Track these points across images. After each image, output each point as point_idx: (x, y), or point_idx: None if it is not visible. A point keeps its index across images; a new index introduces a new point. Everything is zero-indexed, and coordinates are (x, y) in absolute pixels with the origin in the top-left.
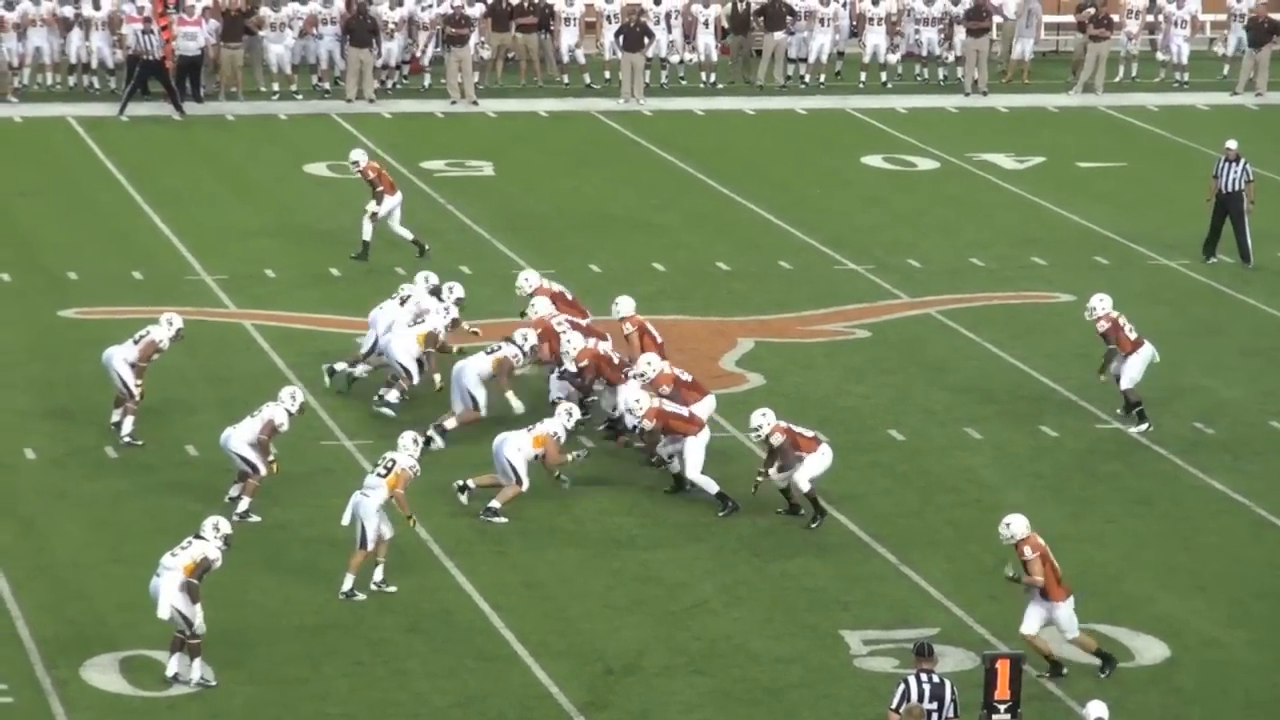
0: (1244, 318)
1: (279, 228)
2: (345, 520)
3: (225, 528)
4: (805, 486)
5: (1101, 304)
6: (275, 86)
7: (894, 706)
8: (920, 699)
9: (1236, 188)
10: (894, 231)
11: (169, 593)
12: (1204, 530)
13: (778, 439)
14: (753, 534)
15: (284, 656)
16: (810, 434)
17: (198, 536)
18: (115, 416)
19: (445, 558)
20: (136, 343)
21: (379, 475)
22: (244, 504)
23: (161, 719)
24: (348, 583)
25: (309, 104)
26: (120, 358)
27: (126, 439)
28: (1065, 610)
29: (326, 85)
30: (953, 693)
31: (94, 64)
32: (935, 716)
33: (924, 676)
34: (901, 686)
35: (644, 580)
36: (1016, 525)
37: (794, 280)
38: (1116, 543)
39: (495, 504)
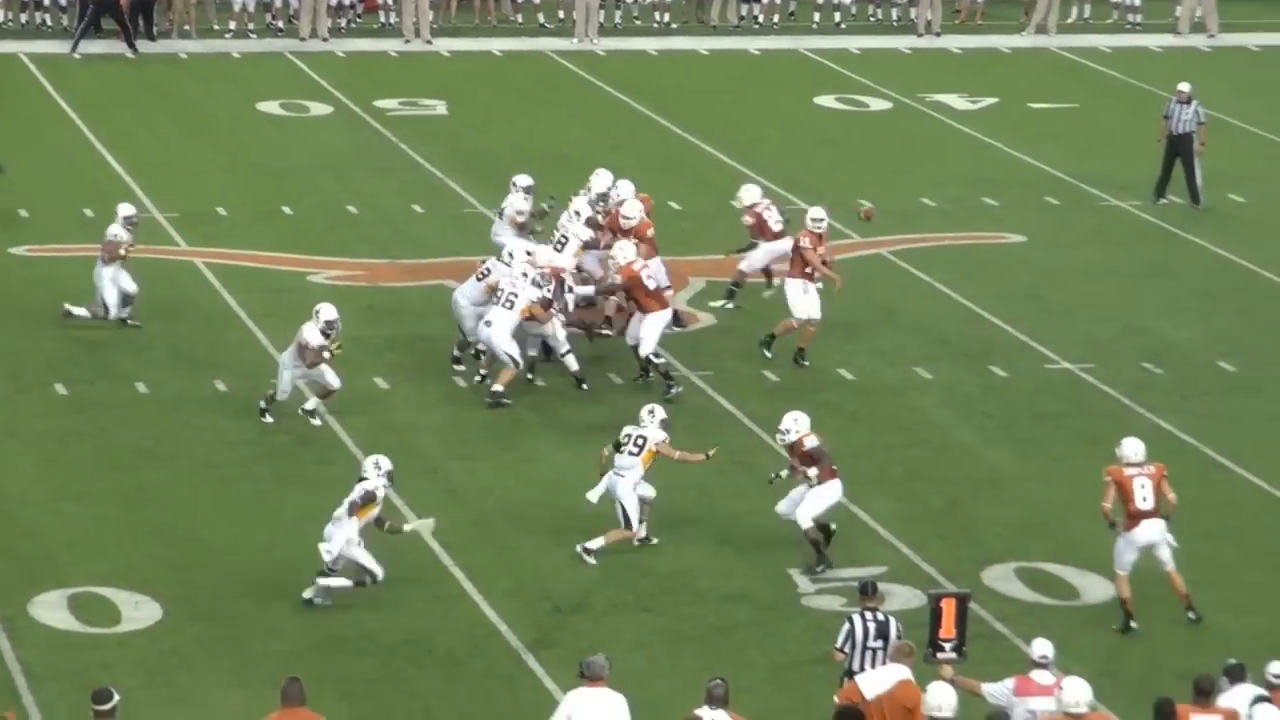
0: (1195, 259)
1: (231, 166)
2: (593, 498)
3: (386, 464)
4: (805, 524)
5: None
6: (230, 25)
7: (839, 645)
8: (866, 637)
9: (1187, 129)
10: (846, 172)
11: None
12: None
13: (810, 442)
14: (702, 473)
15: (233, 593)
16: (832, 466)
17: (360, 479)
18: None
19: (395, 496)
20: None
21: (630, 454)
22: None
23: (110, 655)
24: (595, 542)
25: (263, 42)
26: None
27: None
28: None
29: (280, 23)
30: (898, 630)
31: (47, 1)
32: (881, 654)
33: (869, 615)
34: (847, 625)
35: (594, 518)
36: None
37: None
38: (1064, 482)
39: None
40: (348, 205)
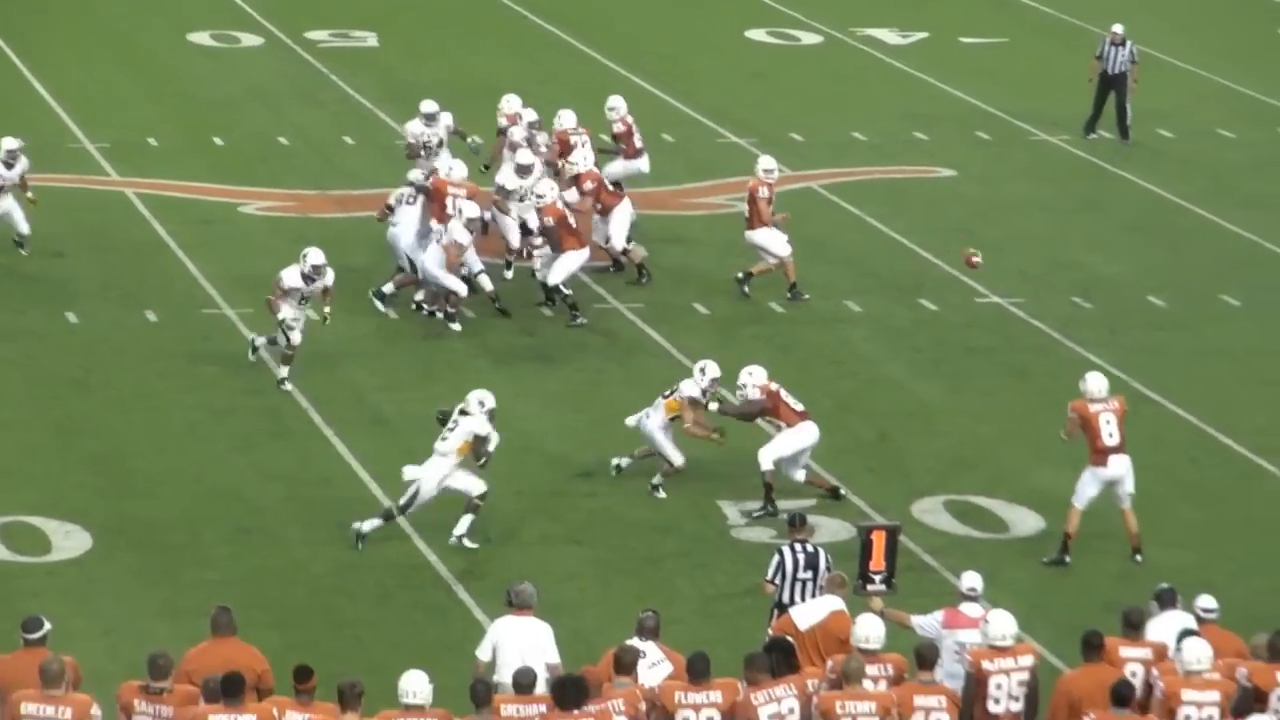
0: (1125, 194)
1: (162, 96)
2: (630, 421)
3: (490, 401)
4: (765, 465)
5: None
6: None
7: (769, 577)
8: (796, 569)
9: (1121, 70)
10: (777, 105)
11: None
12: None
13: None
14: (634, 405)
15: (164, 523)
16: (799, 408)
17: (463, 413)
18: None
19: (325, 426)
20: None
21: (663, 396)
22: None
23: (40, 584)
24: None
25: None
26: None
27: None
28: None
29: None
30: (827, 562)
31: None
32: (810, 586)
33: (799, 547)
34: (777, 557)
35: (523, 450)
36: None
37: (675, 153)
38: (993, 416)
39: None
40: (278, 136)
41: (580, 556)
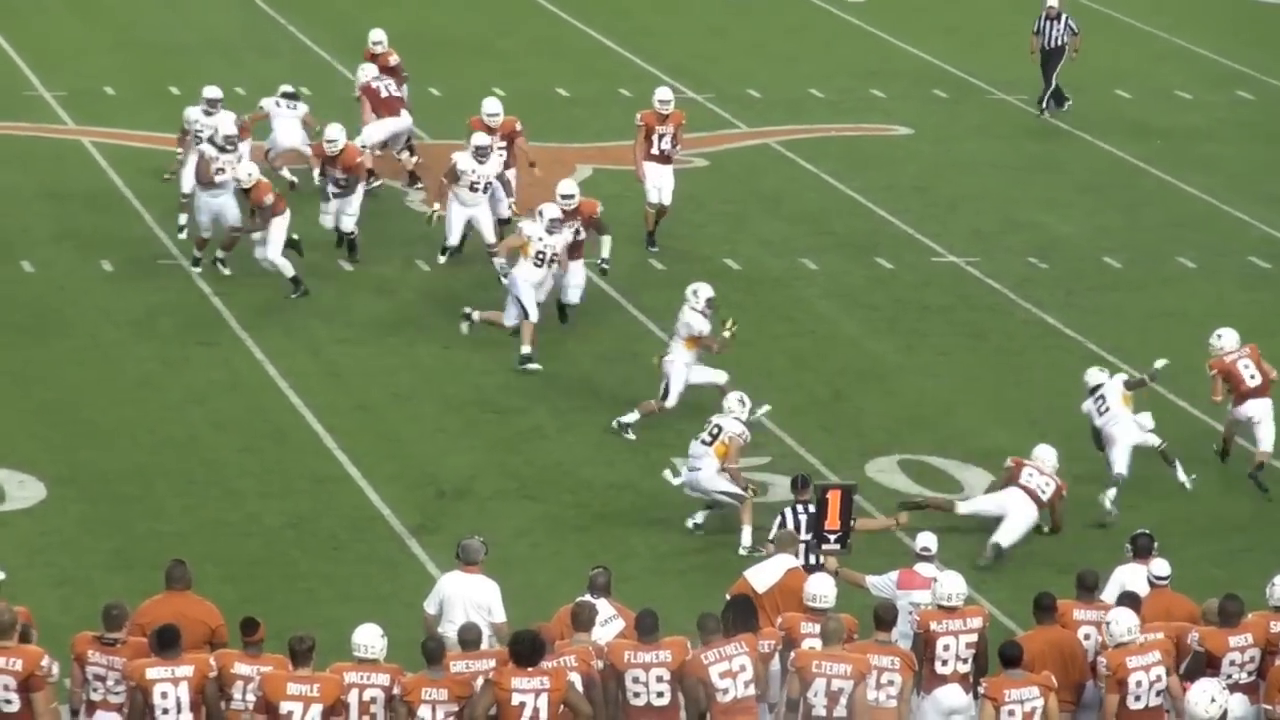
0: (1081, 154)
1: (119, 45)
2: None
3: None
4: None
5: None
6: None
7: (769, 538)
8: (798, 530)
9: (1059, 44)
10: (734, 61)
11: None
12: (1036, 364)
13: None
14: (590, 362)
15: (117, 474)
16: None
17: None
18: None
19: (280, 378)
20: None
21: (703, 443)
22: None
23: None
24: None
25: None
26: None
27: None
28: None
29: None
30: None
31: None
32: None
33: (800, 508)
34: (779, 517)
35: (478, 405)
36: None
37: (633, 108)
38: (949, 375)
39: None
40: (236, 86)
41: (534, 512)
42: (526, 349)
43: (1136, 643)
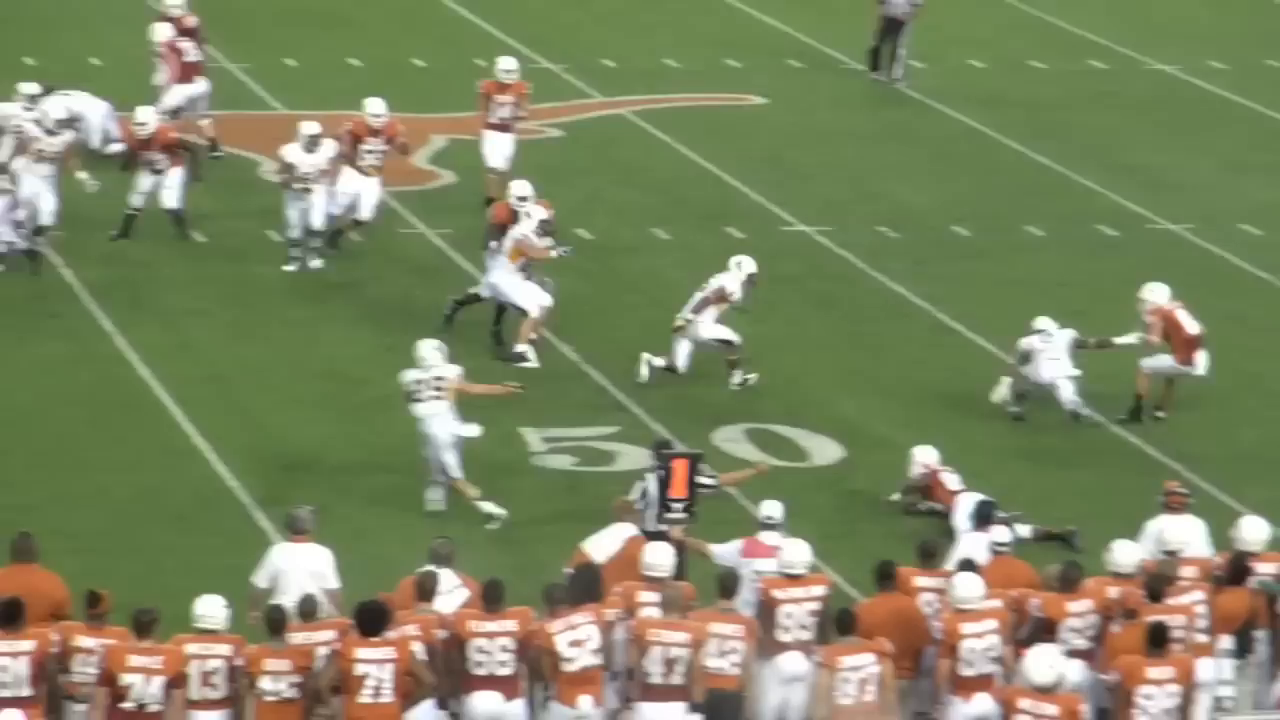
0: (932, 123)
1: None
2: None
3: (750, 266)
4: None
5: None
6: None
7: (633, 497)
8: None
9: (903, 14)
10: (590, 32)
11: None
12: (884, 334)
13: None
14: (436, 332)
15: None
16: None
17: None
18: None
19: (129, 350)
20: None
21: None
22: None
23: None
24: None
25: None
26: None
27: None
28: None
29: None
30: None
31: None
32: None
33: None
34: (640, 484)
35: (325, 377)
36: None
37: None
38: (797, 344)
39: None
40: (91, 58)
41: (381, 483)
42: (521, 346)
43: (975, 610)
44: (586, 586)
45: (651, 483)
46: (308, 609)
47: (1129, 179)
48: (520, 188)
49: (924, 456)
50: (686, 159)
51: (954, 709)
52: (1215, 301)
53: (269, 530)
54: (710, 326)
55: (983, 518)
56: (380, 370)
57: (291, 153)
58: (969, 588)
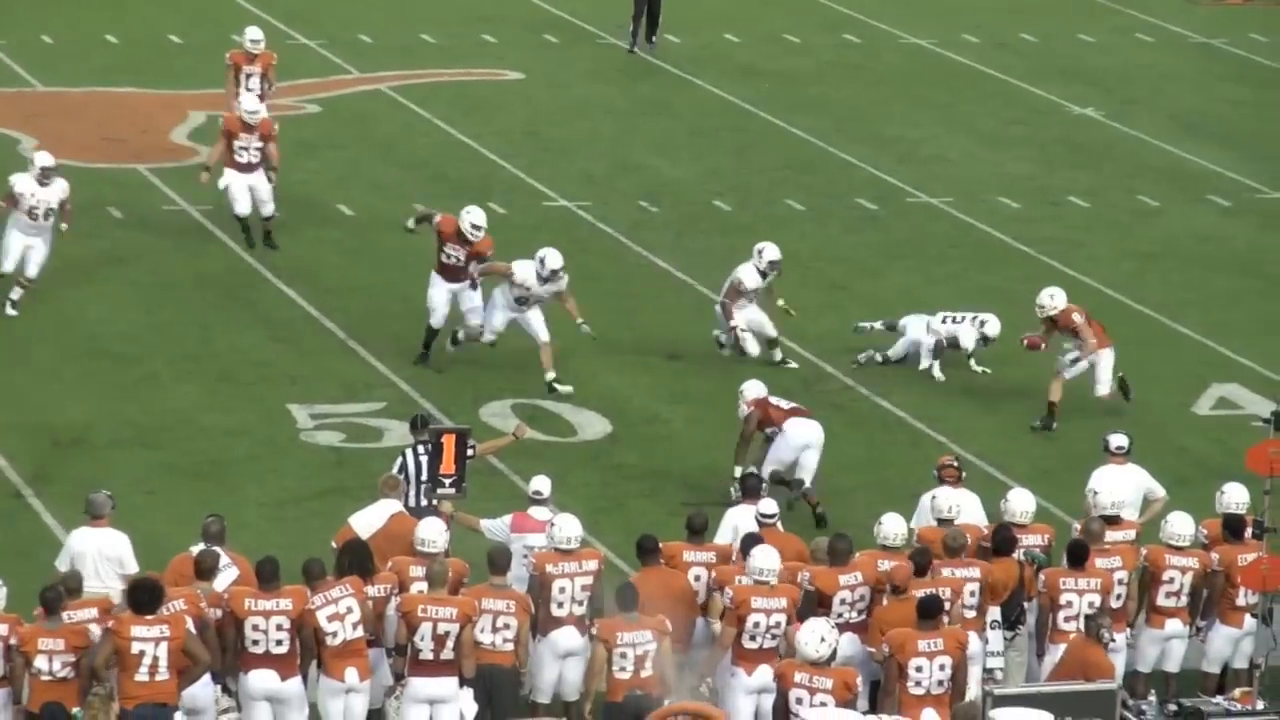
0: (691, 97)
1: None
2: None
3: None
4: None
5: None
6: None
7: (384, 478)
8: (419, 472)
9: None
10: (345, 7)
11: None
12: (648, 308)
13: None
14: (202, 309)
15: None
16: (787, 405)
17: None
18: None
19: None
20: None
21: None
22: None
23: None
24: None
25: None
26: None
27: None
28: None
29: None
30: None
31: None
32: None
33: (420, 449)
34: (399, 459)
35: (93, 355)
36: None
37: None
38: (561, 319)
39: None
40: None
41: (150, 460)
42: (551, 374)
43: (768, 585)
44: (356, 560)
45: (410, 458)
46: (73, 585)
47: (887, 152)
48: (476, 216)
49: (753, 392)
50: (445, 134)
51: (736, 679)
52: (976, 275)
53: (38, 508)
54: (747, 315)
55: (750, 490)
56: (143, 347)
57: (21, 182)
58: (766, 559)
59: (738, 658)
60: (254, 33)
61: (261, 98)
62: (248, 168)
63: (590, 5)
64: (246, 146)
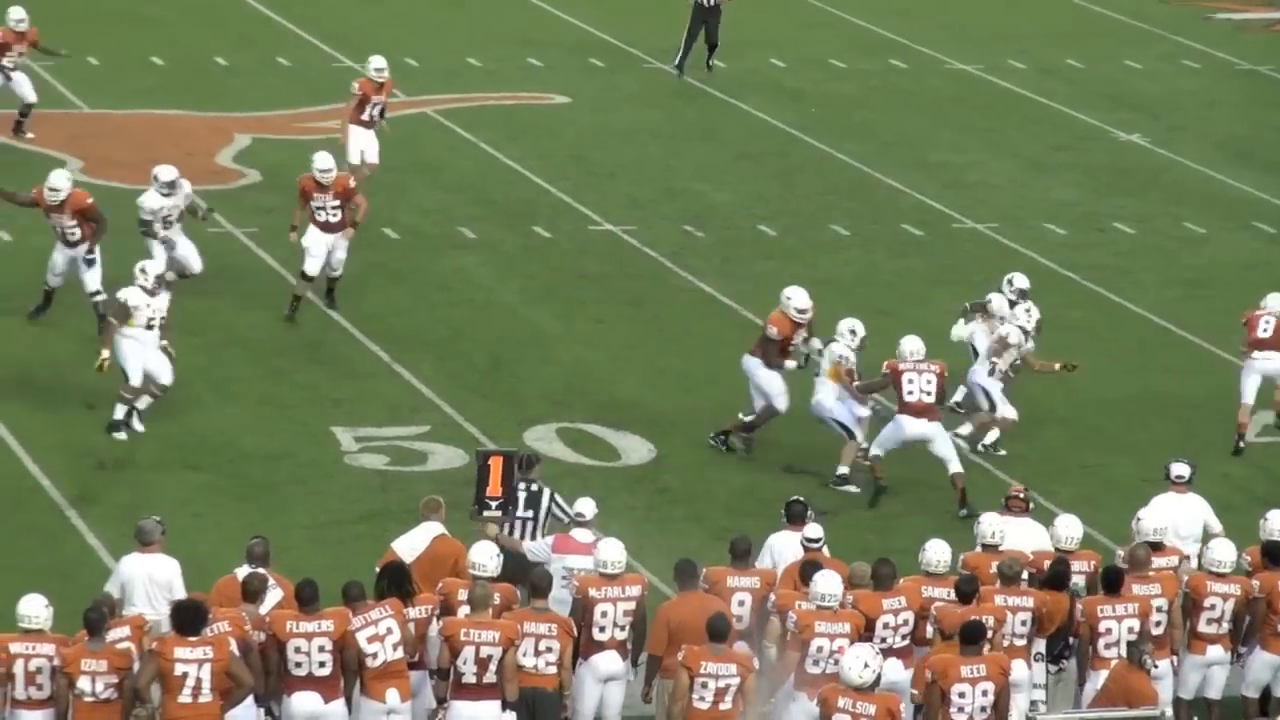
0: (736, 122)
1: None
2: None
3: (861, 330)
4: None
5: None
6: None
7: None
8: (517, 508)
9: (716, 2)
10: (391, 30)
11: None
12: (692, 332)
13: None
14: (248, 332)
15: None
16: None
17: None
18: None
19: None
20: None
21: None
22: None
23: None
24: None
25: None
26: None
27: None
28: None
29: None
30: (553, 501)
31: None
32: (530, 525)
33: (521, 486)
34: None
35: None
36: None
37: (291, 77)
38: (606, 344)
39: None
40: None
41: (194, 482)
42: (844, 469)
43: (831, 610)
44: (394, 583)
45: (522, 498)
46: (110, 604)
47: (932, 178)
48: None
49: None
50: (492, 158)
51: (797, 704)
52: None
53: (81, 528)
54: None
55: (795, 515)
56: (187, 369)
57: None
58: (829, 584)
59: (799, 683)
60: (378, 61)
61: (374, 123)
62: (327, 227)
63: (636, 29)
64: (323, 206)
